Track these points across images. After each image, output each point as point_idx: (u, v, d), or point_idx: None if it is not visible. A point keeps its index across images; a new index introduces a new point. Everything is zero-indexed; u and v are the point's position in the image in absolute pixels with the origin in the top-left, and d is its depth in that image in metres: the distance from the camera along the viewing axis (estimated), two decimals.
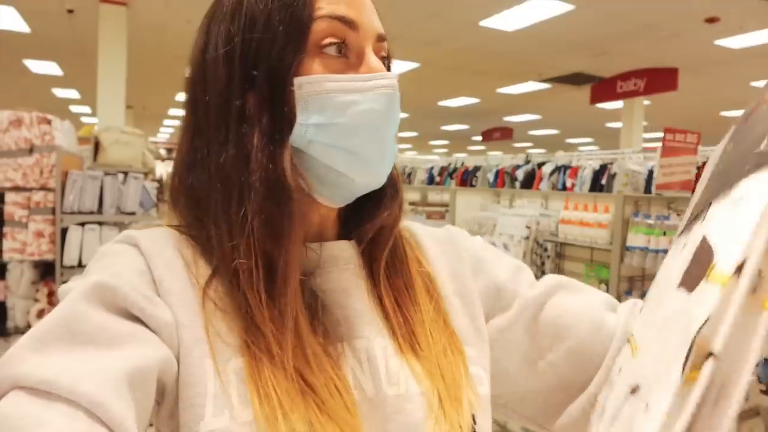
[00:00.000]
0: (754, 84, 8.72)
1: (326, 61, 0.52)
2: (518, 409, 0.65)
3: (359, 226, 0.60)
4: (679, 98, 9.12)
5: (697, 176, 4.31)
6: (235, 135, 0.52)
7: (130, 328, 0.45)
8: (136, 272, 0.50)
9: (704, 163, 4.41)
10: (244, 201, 0.50)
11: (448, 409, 0.53)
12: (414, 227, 0.70)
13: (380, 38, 0.56)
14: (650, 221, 2.67)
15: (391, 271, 0.60)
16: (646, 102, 9.15)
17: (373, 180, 0.55)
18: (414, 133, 17.80)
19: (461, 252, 0.67)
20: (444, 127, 16.31)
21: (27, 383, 0.38)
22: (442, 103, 12.22)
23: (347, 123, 0.51)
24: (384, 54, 0.57)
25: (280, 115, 0.52)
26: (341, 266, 0.58)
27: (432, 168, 8.79)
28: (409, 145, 22.10)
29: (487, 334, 0.63)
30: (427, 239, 0.67)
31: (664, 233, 2.56)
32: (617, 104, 9.37)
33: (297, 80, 0.51)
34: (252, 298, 0.49)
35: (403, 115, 13.89)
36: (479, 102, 11.91)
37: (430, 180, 8.50)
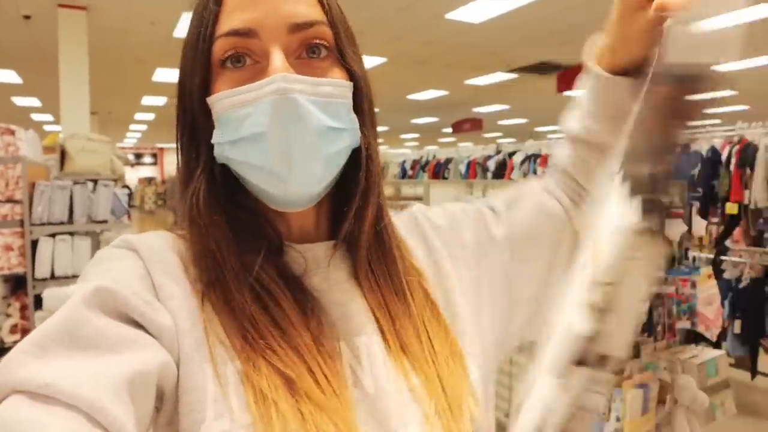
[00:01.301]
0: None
1: (230, 76, 0.52)
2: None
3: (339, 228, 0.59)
4: None
5: None
6: (180, 153, 0.57)
7: (131, 333, 0.44)
8: (136, 277, 0.50)
9: None
10: (185, 214, 0.54)
11: (448, 422, 0.52)
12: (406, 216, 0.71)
13: (297, 28, 0.51)
14: None
15: (377, 272, 0.59)
16: None
17: (293, 189, 0.51)
18: (385, 128, 17.81)
19: (429, 233, 0.67)
20: (414, 121, 16.35)
21: (27, 388, 0.37)
22: (411, 97, 12.25)
23: (246, 137, 0.50)
24: (317, 41, 0.53)
25: (202, 135, 0.54)
26: (333, 265, 0.58)
27: (404, 162, 8.82)
28: (380, 140, 22.08)
29: (491, 290, 0.65)
30: (402, 228, 0.67)
31: None
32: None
33: (208, 100, 0.53)
34: (236, 302, 0.51)
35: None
36: (448, 94, 11.96)
37: (403, 174, 8.53)
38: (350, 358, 0.53)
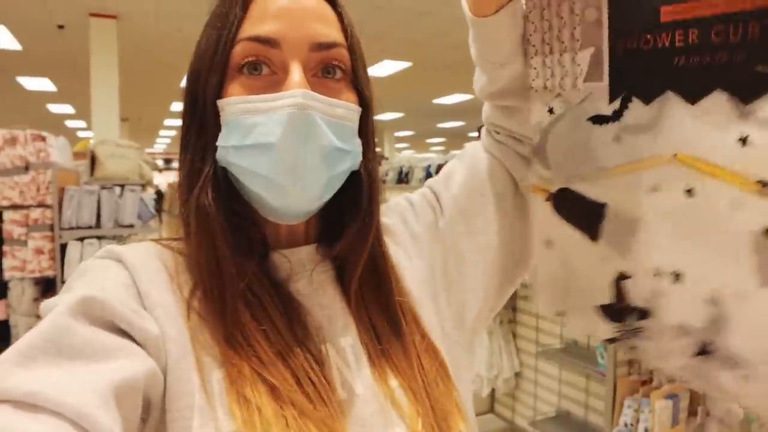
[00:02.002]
0: None
1: (245, 82, 0.52)
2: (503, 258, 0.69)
3: (331, 236, 0.59)
4: None
5: None
6: (185, 154, 0.56)
7: (117, 342, 0.44)
8: (122, 286, 0.50)
9: None
10: (185, 217, 0.54)
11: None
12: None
13: (319, 47, 0.53)
14: None
15: (367, 294, 0.59)
16: None
17: (291, 203, 0.52)
18: (410, 132, 17.79)
19: (404, 229, 0.68)
20: (440, 125, 16.30)
21: (12, 396, 0.37)
22: (436, 101, 12.21)
23: (252, 146, 0.50)
24: (335, 62, 0.54)
25: (208, 137, 0.54)
26: (316, 269, 0.58)
27: (429, 166, 8.78)
28: (406, 144, 22.10)
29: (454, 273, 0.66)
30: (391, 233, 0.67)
31: None
32: None
33: (219, 102, 0.53)
34: (223, 308, 0.51)
35: (398, 114, 13.83)
36: (474, 98, 11.89)
37: (428, 178, 8.50)
38: (337, 361, 0.54)
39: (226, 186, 0.55)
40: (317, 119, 0.50)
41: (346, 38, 0.56)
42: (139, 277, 0.51)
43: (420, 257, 0.66)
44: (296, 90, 0.50)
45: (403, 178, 6.83)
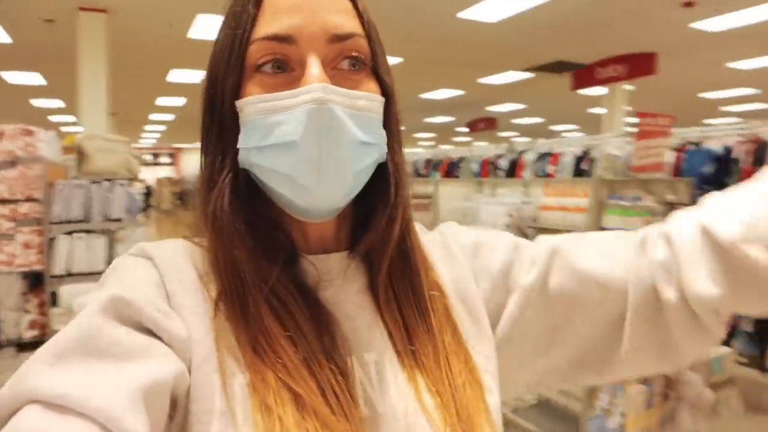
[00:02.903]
0: (730, 65, 8.84)
1: (263, 80, 0.51)
2: (556, 379, 0.63)
3: (360, 240, 0.57)
4: (662, 82, 9.22)
5: (677, 161, 4.40)
6: (204, 156, 0.55)
7: (146, 342, 0.44)
8: (151, 285, 0.50)
9: (682, 146, 4.50)
10: (205, 221, 0.53)
11: None
12: (436, 233, 0.67)
13: (336, 38, 0.51)
14: (625, 203, 2.73)
15: (398, 288, 0.57)
16: (630, 87, 9.24)
17: (318, 202, 0.51)
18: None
19: (457, 254, 0.64)
20: (428, 120, 16.35)
21: (42, 397, 0.38)
22: (424, 96, 12.25)
23: (274, 145, 0.49)
24: (355, 53, 0.52)
25: (228, 139, 0.53)
26: (345, 277, 0.56)
27: (416, 161, 8.83)
28: None
29: (499, 331, 0.60)
30: (428, 246, 0.64)
31: (638, 214, 2.64)
32: (601, 90, 9.45)
33: (237, 103, 0.52)
34: (245, 315, 0.50)
35: None
36: (463, 93, 11.95)
37: (416, 173, 8.55)
38: (361, 375, 0.52)
39: (250, 188, 0.54)
40: (339, 113, 0.48)
41: (363, 27, 0.54)
42: (168, 276, 0.51)
43: (490, 293, 0.62)
44: (315, 84, 0.48)
45: None
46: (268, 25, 0.51)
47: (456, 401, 0.52)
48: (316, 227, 0.56)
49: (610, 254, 0.60)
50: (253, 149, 0.51)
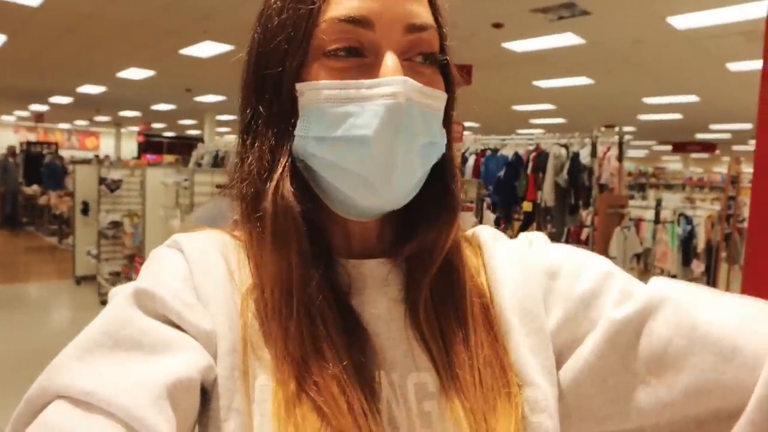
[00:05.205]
0: (535, 83, 10.06)
1: (330, 65, 0.47)
2: None
3: (404, 244, 0.53)
4: (480, 93, 10.16)
5: (476, 164, 4.96)
6: (251, 144, 0.51)
7: (172, 334, 0.44)
8: (180, 278, 0.48)
9: (483, 151, 5.09)
10: (252, 212, 0.50)
11: None
12: (484, 236, 0.60)
13: (413, 28, 0.47)
14: None
15: (439, 297, 0.52)
16: None
17: (382, 204, 0.48)
18: (232, 117, 17.24)
19: (534, 269, 0.55)
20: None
21: (70, 393, 0.38)
22: None
23: (342, 138, 0.46)
24: (427, 49, 0.49)
25: (284, 124, 0.49)
26: (376, 288, 0.52)
27: None
28: (227, 129, 21.47)
29: (566, 371, 0.51)
30: (497, 252, 0.57)
31: None
32: None
33: (298, 86, 0.48)
34: (278, 317, 0.47)
35: (220, 97, 13.22)
36: None
37: None
38: (388, 393, 0.49)
39: (299, 181, 0.50)
40: (416, 111, 0.46)
41: (436, 18, 0.51)
42: (195, 269, 0.49)
43: (556, 318, 0.53)
44: (396, 77, 0.45)
45: (218, 162, 6.77)
46: (341, 4, 0.46)
47: (486, 420, 0.47)
48: (362, 227, 0.53)
49: (749, 320, 0.45)
50: (312, 139, 0.47)
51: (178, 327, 0.45)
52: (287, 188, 0.48)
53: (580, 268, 0.53)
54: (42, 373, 0.40)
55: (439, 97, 0.50)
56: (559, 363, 0.51)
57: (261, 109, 0.50)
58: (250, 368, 0.46)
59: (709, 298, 0.48)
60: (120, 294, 0.45)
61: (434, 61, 0.50)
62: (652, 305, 0.48)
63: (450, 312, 0.52)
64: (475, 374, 0.49)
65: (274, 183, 0.48)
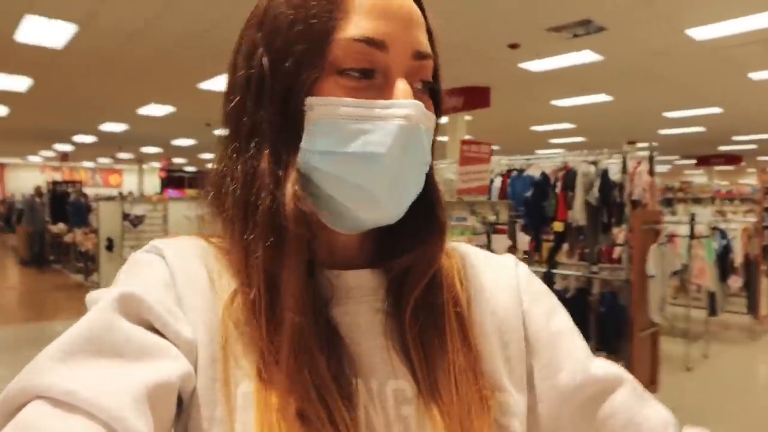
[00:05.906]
0: (553, 102, 10.00)
1: (346, 83, 0.48)
2: None
3: (390, 255, 0.55)
4: (498, 114, 10.12)
5: (503, 186, 4.88)
6: (247, 151, 0.51)
7: (155, 341, 0.44)
8: (162, 285, 0.49)
9: (508, 171, 5.00)
10: (249, 221, 0.49)
11: None
12: (465, 251, 0.64)
13: (419, 56, 0.50)
14: (451, 222, 2.96)
15: (422, 309, 0.54)
16: (468, 117, 10.01)
17: (382, 217, 0.50)
18: None
19: (515, 288, 0.60)
20: None
21: (50, 394, 0.38)
22: None
23: (353, 153, 0.47)
24: (426, 76, 0.52)
25: (290, 136, 0.50)
26: (357, 297, 0.54)
27: None
28: None
29: (535, 384, 0.56)
30: (478, 266, 0.61)
31: (462, 232, 2.90)
32: (443, 120, 10.08)
33: (308, 100, 0.49)
34: (264, 324, 0.48)
35: None
36: None
37: None
38: (365, 399, 0.50)
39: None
40: (423, 133, 0.49)
41: (432, 46, 0.53)
42: (177, 277, 0.49)
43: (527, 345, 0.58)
44: (409, 101, 0.48)
45: None
46: (357, 24, 0.48)
47: (462, 427, 0.50)
48: (346, 239, 0.54)
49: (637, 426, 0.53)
50: (317, 153, 0.49)
51: (160, 333, 0.45)
52: (301, 196, 0.48)
53: (551, 310, 0.60)
54: (19, 374, 0.39)
55: (434, 122, 0.53)
56: (531, 375, 0.57)
57: (263, 118, 0.50)
58: (231, 377, 0.46)
59: (648, 397, 0.56)
60: (104, 298, 0.45)
61: (429, 87, 0.53)
62: (616, 379, 0.55)
63: (430, 322, 0.54)
64: (452, 380, 0.51)
65: (289, 192, 0.48)
